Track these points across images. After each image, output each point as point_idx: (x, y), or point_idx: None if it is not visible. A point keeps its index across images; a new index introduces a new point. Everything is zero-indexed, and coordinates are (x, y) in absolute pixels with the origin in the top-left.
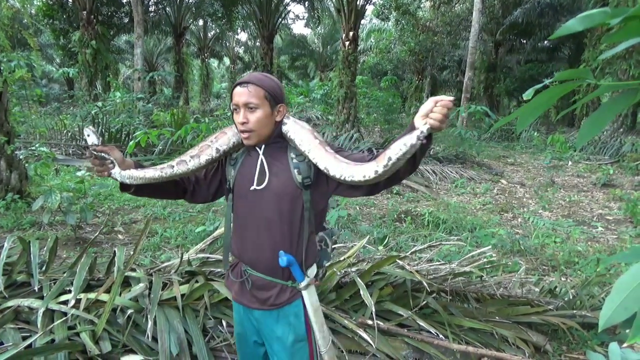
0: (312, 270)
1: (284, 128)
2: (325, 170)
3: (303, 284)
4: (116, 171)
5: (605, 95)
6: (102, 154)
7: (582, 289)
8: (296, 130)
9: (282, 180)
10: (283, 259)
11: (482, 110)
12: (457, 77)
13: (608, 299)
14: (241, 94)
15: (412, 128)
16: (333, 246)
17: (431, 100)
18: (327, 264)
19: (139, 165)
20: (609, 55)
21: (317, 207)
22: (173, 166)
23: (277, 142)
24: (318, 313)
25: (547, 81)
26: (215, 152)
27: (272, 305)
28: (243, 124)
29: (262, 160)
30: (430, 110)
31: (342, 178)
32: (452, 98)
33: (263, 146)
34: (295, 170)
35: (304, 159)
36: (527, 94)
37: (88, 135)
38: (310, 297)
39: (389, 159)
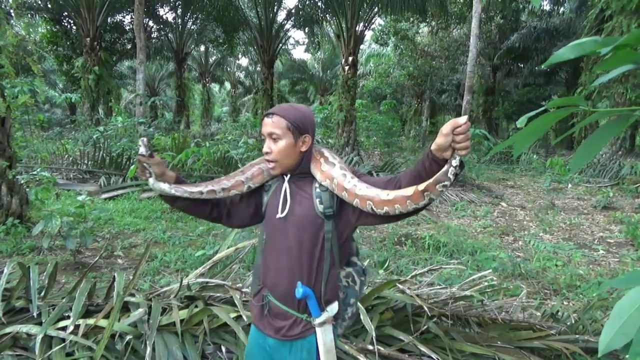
0: (333, 308)
1: (317, 176)
2: (370, 209)
3: (318, 320)
4: (151, 181)
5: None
6: (144, 165)
7: (584, 313)
8: (321, 177)
9: (304, 209)
10: (299, 290)
11: (480, 133)
12: (455, 101)
13: (607, 324)
14: (266, 125)
15: (433, 160)
16: (364, 285)
17: (442, 131)
18: (352, 302)
19: (178, 179)
20: (603, 82)
21: (340, 238)
22: (202, 192)
23: (304, 173)
24: (330, 355)
25: (546, 105)
26: (246, 189)
27: (284, 336)
28: (267, 153)
29: (286, 188)
30: (453, 141)
31: (384, 212)
32: (463, 119)
33: (289, 175)
34: (317, 200)
35: (327, 189)
36: (520, 122)
37: (139, 146)
38: (324, 336)
39: (428, 196)
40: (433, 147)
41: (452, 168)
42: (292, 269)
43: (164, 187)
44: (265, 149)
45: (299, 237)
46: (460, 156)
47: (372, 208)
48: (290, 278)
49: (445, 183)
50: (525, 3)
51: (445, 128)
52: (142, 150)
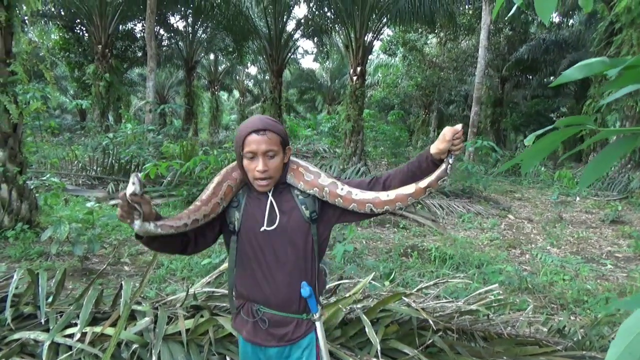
0: (320, 300)
1: (299, 186)
2: (370, 210)
3: (317, 314)
4: (137, 224)
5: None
6: (136, 205)
7: (592, 329)
8: (305, 187)
9: (293, 217)
10: (306, 289)
11: (488, 145)
12: (463, 112)
13: (613, 344)
14: (260, 142)
15: (431, 161)
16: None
17: (445, 138)
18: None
19: (158, 217)
20: (611, 100)
21: (321, 238)
22: (187, 224)
23: (282, 183)
24: (325, 344)
25: (557, 122)
26: (221, 210)
27: (289, 340)
28: (264, 171)
29: (271, 201)
30: (451, 145)
31: (379, 210)
32: (460, 127)
33: (272, 188)
34: (303, 207)
35: (308, 195)
36: (528, 140)
37: (133, 183)
38: (321, 328)
39: (429, 191)
40: (434, 151)
41: (449, 166)
42: (288, 276)
43: (150, 227)
44: (261, 167)
45: (291, 245)
46: (455, 155)
47: (371, 209)
48: (287, 285)
49: (445, 178)
50: (534, 15)
51: (448, 135)
52: (135, 188)
